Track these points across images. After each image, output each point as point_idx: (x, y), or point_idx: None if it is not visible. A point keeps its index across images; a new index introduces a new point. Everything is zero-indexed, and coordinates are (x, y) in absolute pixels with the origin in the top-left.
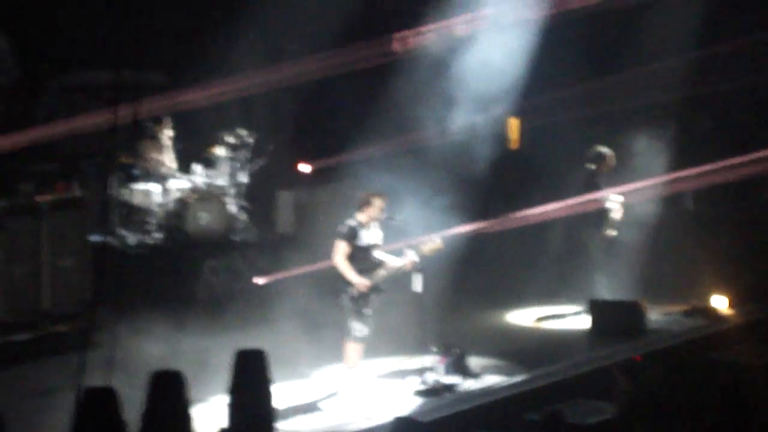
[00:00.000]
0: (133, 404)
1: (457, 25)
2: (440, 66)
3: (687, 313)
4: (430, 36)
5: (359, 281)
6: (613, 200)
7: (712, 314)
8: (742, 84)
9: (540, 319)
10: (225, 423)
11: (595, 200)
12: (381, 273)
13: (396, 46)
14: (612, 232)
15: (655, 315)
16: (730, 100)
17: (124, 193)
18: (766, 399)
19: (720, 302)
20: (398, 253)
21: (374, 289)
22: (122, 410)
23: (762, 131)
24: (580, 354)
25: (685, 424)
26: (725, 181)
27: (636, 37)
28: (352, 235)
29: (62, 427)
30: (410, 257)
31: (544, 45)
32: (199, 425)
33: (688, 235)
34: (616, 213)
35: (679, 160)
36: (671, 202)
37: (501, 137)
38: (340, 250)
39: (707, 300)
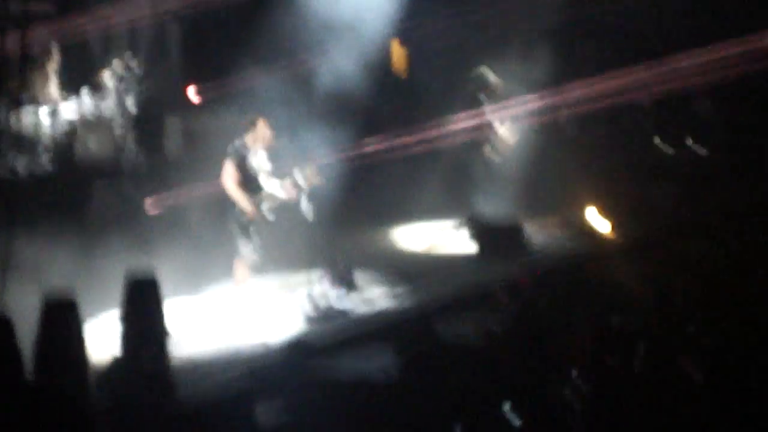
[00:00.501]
0: (27, 329)
1: None
2: None
3: (567, 234)
4: None
5: (248, 208)
6: (501, 124)
7: (591, 235)
8: (618, 9)
9: (426, 238)
10: (117, 344)
11: (481, 122)
12: (268, 197)
13: None
14: (496, 154)
15: (537, 236)
16: (609, 26)
17: (13, 121)
18: (638, 316)
19: (599, 223)
20: (286, 176)
21: (261, 212)
22: (16, 336)
23: (635, 57)
24: (464, 275)
25: (564, 342)
26: (602, 106)
27: None
28: (239, 158)
29: None
30: (297, 181)
31: None
32: (92, 350)
33: (567, 157)
34: (503, 136)
35: (559, 85)
36: (551, 125)
37: (386, 62)
38: (228, 173)
39: (587, 220)
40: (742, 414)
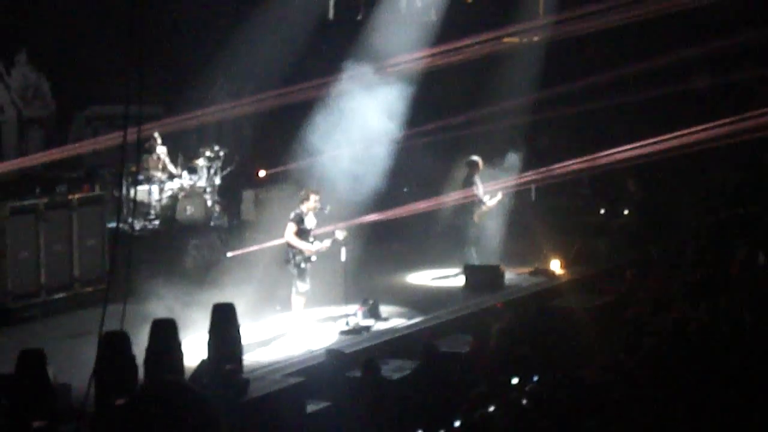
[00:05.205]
0: (140, 343)
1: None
2: (349, 103)
3: (533, 274)
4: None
5: (308, 247)
6: (486, 197)
7: (550, 274)
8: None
9: (431, 279)
10: (205, 356)
11: (471, 194)
12: (318, 246)
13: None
14: (481, 218)
15: (510, 275)
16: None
17: (132, 193)
18: (588, 331)
19: (556, 265)
20: (329, 233)
21: (313, 256)
22: (132, 348)
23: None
24: (458, 303)
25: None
26: (557, 180)
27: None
28: (298, 220)
29: (89, 361)
30: (337, 235)
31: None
32: (187, 358)
33: (533, 217)
34: (487, 206)
35: (526, 166)
36: (520, 194)
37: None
38: (291, 230)
39: (547, 263)
40: None
